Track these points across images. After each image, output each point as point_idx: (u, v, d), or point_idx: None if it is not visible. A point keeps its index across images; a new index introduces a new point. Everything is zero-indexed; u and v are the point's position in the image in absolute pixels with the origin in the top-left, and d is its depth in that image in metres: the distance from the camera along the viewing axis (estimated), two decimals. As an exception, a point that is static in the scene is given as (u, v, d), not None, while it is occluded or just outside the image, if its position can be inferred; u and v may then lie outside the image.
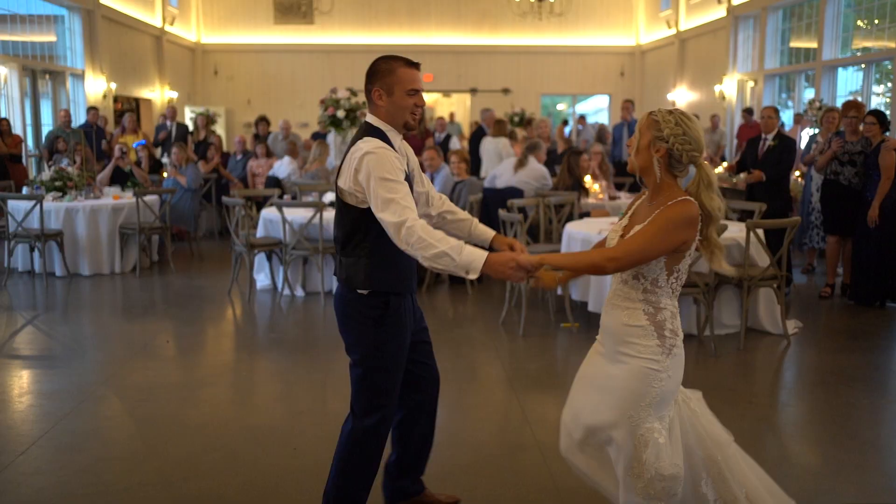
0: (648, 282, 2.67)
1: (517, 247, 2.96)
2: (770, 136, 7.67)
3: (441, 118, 13.11)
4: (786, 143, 7.71)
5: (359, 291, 2.92)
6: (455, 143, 13.13)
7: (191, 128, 13.81)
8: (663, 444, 2.63)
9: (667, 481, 2.62)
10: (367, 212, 2.81)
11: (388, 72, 2.84)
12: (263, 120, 13.02)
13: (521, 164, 8.89)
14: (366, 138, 2.83)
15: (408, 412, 3.24)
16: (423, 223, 2.71)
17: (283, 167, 10.89)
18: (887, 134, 7.27)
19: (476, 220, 3.19)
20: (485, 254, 2.68)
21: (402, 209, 2.69)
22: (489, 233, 3.13)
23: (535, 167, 8.88)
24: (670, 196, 2.63)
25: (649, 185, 2.73)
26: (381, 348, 2.96)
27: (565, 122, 18.31)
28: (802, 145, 10.28)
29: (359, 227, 2.87)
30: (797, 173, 9.32)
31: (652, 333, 2.65)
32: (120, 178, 10.19)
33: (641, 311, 2.67)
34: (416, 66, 2.90)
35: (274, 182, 10.60)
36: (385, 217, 2.71)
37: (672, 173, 2.67)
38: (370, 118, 2.92)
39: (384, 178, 2.72)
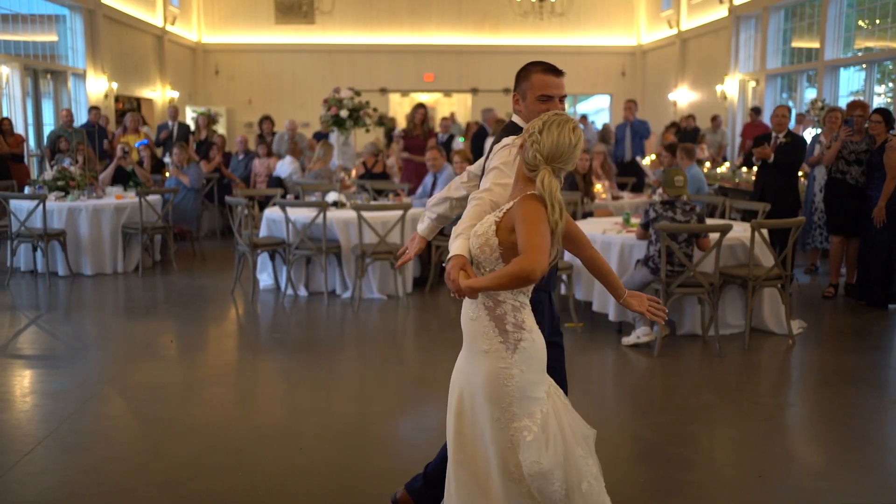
0: (487, 272, 2.61)
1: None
2: (782, 135, 7.68)
3: (445, 118, 13.09)
4: (797, 141, 7.74)
5: None
6: (458, 144, 13.12)
7: (192, 128, 13.81)
8: (531, 441, 2.55)
9: (542, 478, 2.54)
10: None
11: (525, 76, 2.95)
12: (267, 119, 13.00)
13: None
14: (512, 136, 2.89)
15: None
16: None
17: (284, 167, 10.89)
18: (892, 133, 7.25)
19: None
20: (460, 256, 2.64)
21: (487, 200, 2.77)
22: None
23: None
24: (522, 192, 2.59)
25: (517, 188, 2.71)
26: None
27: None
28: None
29: None
30: (800, 174, 9.32)
31: (493, 329, 2.59)
32: (122, 178, 10.19)
33: (482, 304, 2.61)
34: (554, 72, 2.92)
35: (276, 182, 10.59)
36: (472, 204, 2.80)
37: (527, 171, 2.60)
38: (515, 118, 3.06)
39: (496, 167, 2.80)
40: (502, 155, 2.83)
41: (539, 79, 2.91)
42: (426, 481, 3.18)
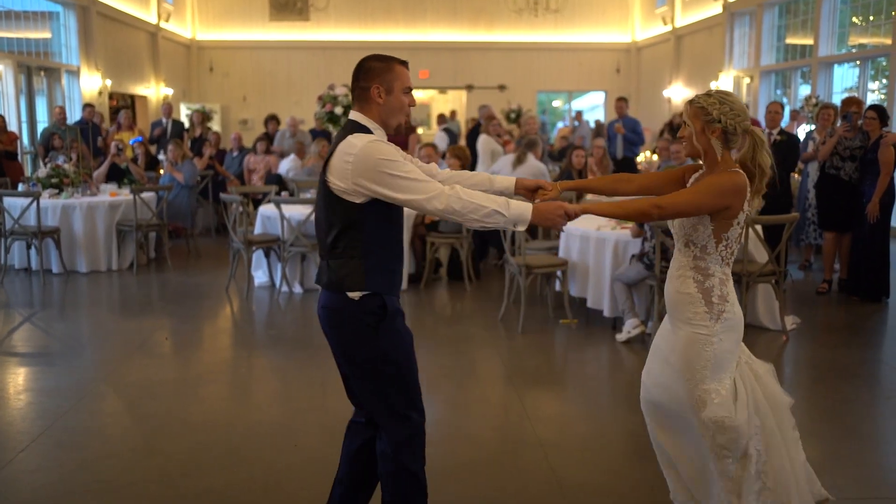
0: (698, 249, 2.86)
1: (547, 186, 3.00)
2: (776, 132, 7.70)
3: (442, 115, 13.09)
4: (792, 140, 7.75)
5: (350, 295, 2.72)
6: (439, 140, 13.16)
7: (186, 125, 13.78)
8: (718, 403, 2.80)
9: (728, 433, 2.79)
10: (363, 207, 2.69)
11: (387, 69, 2.77)
12: (273, 119, 12.99)
13: (519, 160, 8.88)
14: (356, 134, 2.71)
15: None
16: (460, 186, 2.70)
17: (286, 164, 10.88)
18: (886, 129, 7.26)
19: (489, 174, 3.12)
20: (530, 205, 2.69)
21: (424, 184, 2.64)
22: (510, 180, 3.08)
23: (534, 164, 8.87)
24: (726, 168, 2.82)
25: (708, 164, 2.89)
26: (388, 353, 2.78)
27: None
28: (799, 142, 10.28)
29: (352, 224, 2.71)
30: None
31: (700, 300, 2.85)
32: (116, 175, 10.17)
33: (691, 278, 2.87)
34: (407, 65, 2.86)
35: (275, 179, 10.58)
36: (412, 196, 2.63)
37: (729, 148, 2.84)
38: (357, 116, 2.80)
39: (391, 161, 2.63)
40: (381, 151, 2.63)
41: (402, 71, 2.79)
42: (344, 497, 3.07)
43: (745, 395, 2.88)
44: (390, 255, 2.80)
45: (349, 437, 3.05)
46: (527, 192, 3.04)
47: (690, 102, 2.87)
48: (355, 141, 2.66)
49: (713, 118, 2.80)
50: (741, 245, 5.67)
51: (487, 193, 2.73)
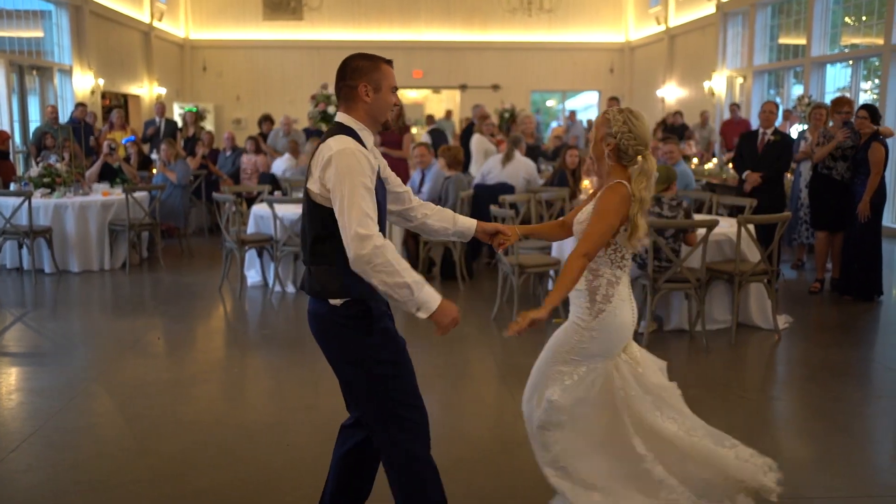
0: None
1: (505, 230, 3.10)
2: (770, 131, 7.71)
3: (430, 116, 13.09)
4: (786, 140, 7.77)
5: (332, 302, 2.69)
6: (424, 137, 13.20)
7: (180, 124, 13.75)
8: (569, 384, 3.01)
9: (552, 408, 2.99)
10: None
11: (374, 68, 2.75)
12: (268, 119, 12.97)
13: (507, 158, 8.92)
14: (337, 136, 2.66)
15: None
16: (392, 246, 2.59)
17: (280, 163, 10.86)
18: (877, 128, 7.28)
19: (454, 214, 3.11)
20: (439, 298, 2.63)
21: (371, 223, 2.55)
22: (472, 222, 3.09)
23: (521, 160, 8.89)
24: (611, 180, 3.00)
25: (600, 172, 3.11)
26: (379, 354, 2.74)
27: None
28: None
29: (332, 231, 2.64)
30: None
31: (585, 296, 3.03)
32: (109, 175, 10.13)
33: (583, 277, 3.03)
34: (392, 64, 2.84)
35: (269, 178, 10.56)
36: (350, 224, 2.54)
37: (621, 164, 3.01)
38: (342, 117, 2.77)
39: (357, 180, 2.56)
40: (353, 164, 2.58)
41: (388, 70, 2.78)
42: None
43: (591, 388, 3.02)
44: None
45: (339, 440, 3.05)
46: (485, 235, 3.10)
47: (604, 112, 3.06)
48: (333, 144, 2.63)
49: (612, 133, 2.97)
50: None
51: (411, 269, 2.62)
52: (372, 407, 2.79)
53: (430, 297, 2.61)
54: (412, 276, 2.59)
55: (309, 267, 2.76)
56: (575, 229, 3.13)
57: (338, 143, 2.63)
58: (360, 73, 2.75)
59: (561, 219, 3.39)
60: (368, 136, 2.77)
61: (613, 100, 12.15)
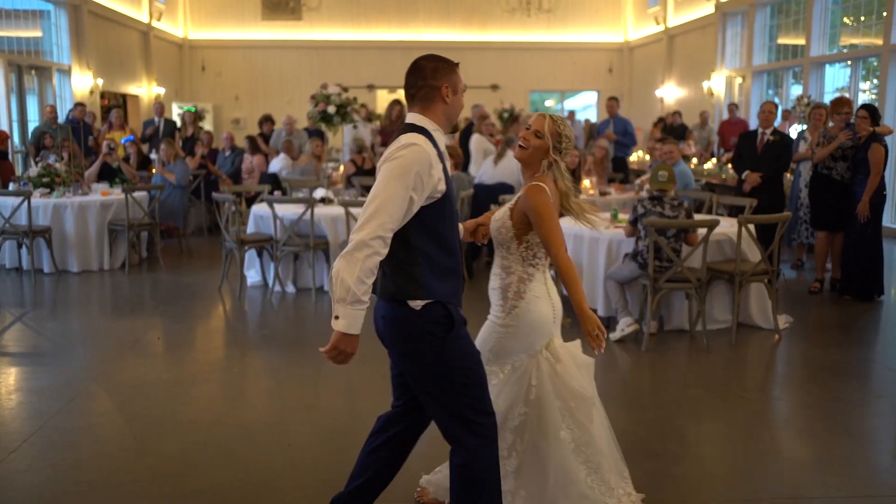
0: (504, 249, 3.15)
1: (482, 221, 3.27)
2: (769, 131, 7.71)
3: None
4: (785, 140, 7.76)
5: (411, 305, 2.64)
6: None
7: (178, 124, 13.73)
8: (495, 384, 3.09)
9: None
10: (425, 210, 2.63)
11: (452, 70, 2.77)
12: (268, 119, 12.96)
13: (499, 156, 8.96)
14: (410, 133, 2.65)
15: (397, 434, 2.97)
16: (374, 268, 2.56)
17: (276, 163, 10.86)
18: (877, 128, 7.28)
19: None
20: (359, 322, 2.57)
21: (383, 229, 2.53)
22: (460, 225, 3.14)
23: (510, 160, 8.89)
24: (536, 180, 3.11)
25: (528, 175, 3.18)
26: (455, 362, 2.70)
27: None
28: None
29: (404, 229, 2.62)
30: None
31: (499, 294, 3.16)
32: (108, 175, 10.12)
33: (497, 275, 3.18)
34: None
35: (271, 178, 10.56)
36: (366, 215, 2.54)
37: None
38: (416, 118, 2.73)
39: (402, 177, 2.54)
40: (411, 161, 2.57)
41: (460, 73, 2.81)
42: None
43: (519, 385, 3.12)
44: (446, 261, 2.71)
45: (371, 436, 3.02)
46: (468, 234, 3.26)
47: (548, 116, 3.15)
48: (404, 140, 2.63)
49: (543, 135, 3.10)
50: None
51: (370, 293, 2.57)
52: (448, 416, 2.76)
53: (356, 321, 2.56)
54: (364, 296, 2.54)
55: (382, 268, 2.66)
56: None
57: (410, 137, 2.63)
58: (441, 73, 2.75)
59: None
60: (441, 138, 2.76)
61: (613, 99, 12.13)
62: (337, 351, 2.58)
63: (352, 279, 2.51)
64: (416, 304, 2.65)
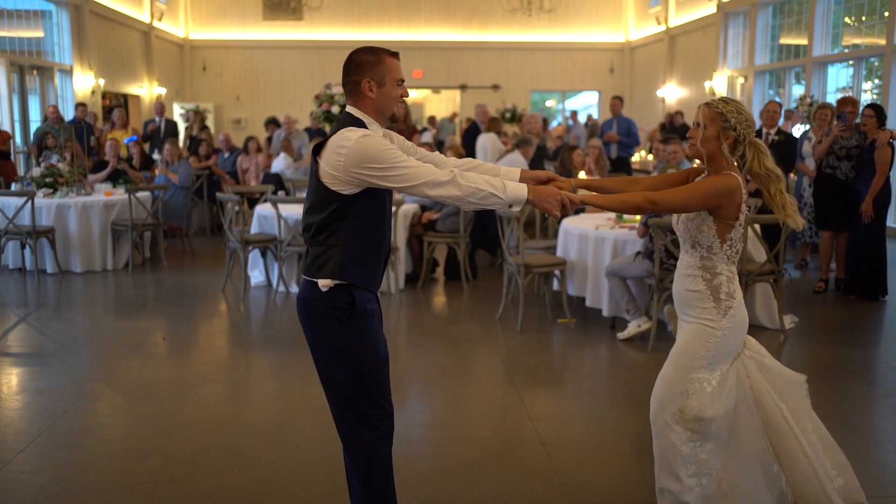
0: (704, 249, 3.00)
1: (559, 180, 3.02)
2: (773, 131, 7.71)
3: (432, 117, 13.11)
4: (790, 140, 7.76)
5: (321, 284, 2.73)
6: (427, 136, 13.22)
7: (180, 124, 13.73)
8: (710, 392, 2.94)
9: (704, 423, 2.92)
10: (352, 198, 2.71)
11: (378, 62, 2.77)
12: (273, 122, 12.99)
13: (502, 156, 8.98)
14: (350, 127, 2.72)
15: None
16: (458, 171, 2.72)
17: (278, 163, 10.86)
18: (882, 128, 7.27)
19: (496, 165, 3.12)
20: (525, 187, 2.73)
21: (419, 170, 2.67)
22: (515, 171, 3.07)
23: (511, 159, 8.88)
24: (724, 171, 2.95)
25: (714, 167, 2.99)
26: (350, 346, 2.77)
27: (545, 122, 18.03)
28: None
29: (339, 214, 2.72)
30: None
31: (709, 297, 2.99)
32: (111, 175, 10.10)
33: (700, 277, 3.01)
34: (398, 56, 2.86)
35: (274, 178, 10.56)
36: (408, 184, 2.66)
37: (733, 154, 2.96)
38: (351, 110, 2.82)
39: (383, 153, 2.64)
40: (374, 145, 2.66)
41: (393, 63, 2.79)
42: None
43: (733, 389, 2.99)
44: (372, 250, 2.79)
45: None
46: (536, 183, 2.99)
47: (708, 105, 2.97)
48: (349, 134, 2.68)
49: (730, 125, 2.91)
50: (744, 244, 5.70)
51: (484, 176, 2.73)
52: (334, 395, 2.85)
53: (517, 192, 2.72)
54: (490, 185, 2.69)
55: (309, 247, 2.81)
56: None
57: (352, 132, 2.69)
58: (363, 68, 2.78)
59: (629, 178, 3.31)
60: (378, 129, 2.82)
61: (617, 99, 12.12)
62: (547, 205, 2.72)
63: (477, 197, 2.67)
64: (325, 285, 2.73)
